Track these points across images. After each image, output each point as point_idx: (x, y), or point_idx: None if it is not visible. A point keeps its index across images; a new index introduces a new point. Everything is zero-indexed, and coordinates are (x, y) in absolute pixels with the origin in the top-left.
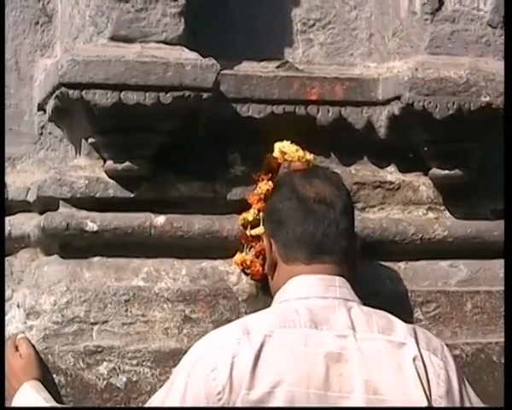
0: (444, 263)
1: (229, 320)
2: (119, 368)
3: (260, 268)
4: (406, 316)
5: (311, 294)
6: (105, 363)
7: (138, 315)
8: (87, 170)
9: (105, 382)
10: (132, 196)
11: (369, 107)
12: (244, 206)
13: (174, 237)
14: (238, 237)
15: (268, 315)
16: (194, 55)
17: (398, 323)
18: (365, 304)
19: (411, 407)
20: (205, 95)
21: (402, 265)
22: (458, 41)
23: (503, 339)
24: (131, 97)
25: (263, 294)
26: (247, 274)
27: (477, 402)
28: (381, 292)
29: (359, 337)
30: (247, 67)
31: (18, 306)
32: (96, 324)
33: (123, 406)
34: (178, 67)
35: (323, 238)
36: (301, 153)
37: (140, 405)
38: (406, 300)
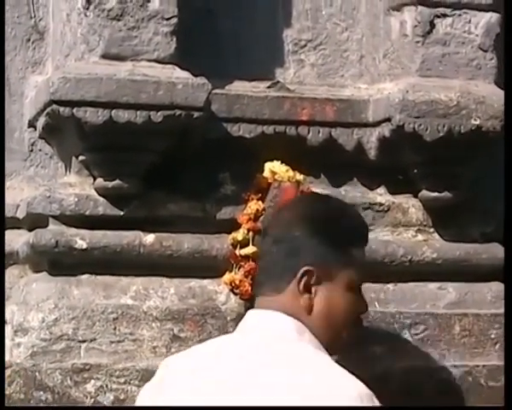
0: (432, 285)
1: None
2: (107, 386)
3: (249, 288)
4: (394, 338)
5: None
6: (92, 381)
7: (126, 333)
8: (77, 187)
9: (92, 400)
10: (122, 214)
11: (359, 128)
12: (234, 225)
13: (163, 256)
14: (227, 256)
15: None
16: (185, 74)
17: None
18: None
19: (414, 407)
20: (196, 114)
21: (390, 286)
22: (449, 64)
23: (490, 362)
24: (122, 115)
25: None
26: (235, 294)
27: None
28: (369, 313)
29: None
30: (238, 87)
31: (6, 322)
32: (84, 341)
33: None
34: (169, 86)
35: (260, 271)
36: (291, 173)
37: None
38: (394, 322)
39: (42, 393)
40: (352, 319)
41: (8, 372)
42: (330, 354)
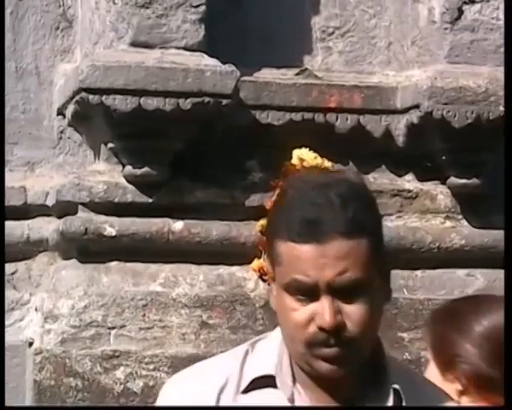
0: (461, 272)
1: (245, 326)
2: (136, 373)
3: None
4: (423, 325)
5: None
6: (122, 367)
7: (155, 320)
8: (106, 175)
9: (122, 386)
10: (151, 201)
11: (387, 115)
12: (262, 212)
13: (192, 243)
14: (256, 243)
15: None
16: (213, 62)
17: None
18: None
19: (414, 407)
20: (224, 101)
21: (419, 273)
22: (477, 50)
23: None
24: (151, 103)
25: None
26: (264, 280)
27: None
28: (397, 300)
29: None
30: (266, 74)
31: (36, 309)
32: (113, 328)
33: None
34: (198, 74)
35: None
36: (319, 160)
37: None
38: (423, 308)
39: (72, 379)
40: (295, 334)
41: (38, 359)
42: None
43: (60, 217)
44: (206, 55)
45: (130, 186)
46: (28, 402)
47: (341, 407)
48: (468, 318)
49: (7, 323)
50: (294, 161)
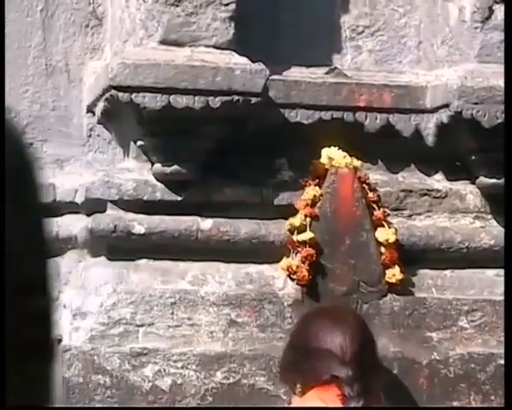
0: (490, 272)
1: (274, 325)
2: (165, 370)
3: (306, 273)
4: (451, 324)
5: None
6: (150, 365)
7: (184, 318)
8: (135, 173)
9: (150, 384)
10: (180, 199)
11: (417, 114)
12: (291, 211)
13: (220, 241)
14: (285, 242)
15: None
16: (243, 60)
17: None
18: None
19: (414, 407)
20: (253, 100)
21: (448, 273)
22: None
23: None
24: (180, 101)
25: (308, 299)
26: (292, 279)
27: None
28: (426, 300)
29: None
30: (295, 73)
31: (64, 307)
32: (141, 326)
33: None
34: (228, 72)
35: None
36: (348, 159)
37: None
38: (451, 308)
39: (100, 376)
40: None
41: (67, 356)
42: None
43: (89, 214)
44: (235, 54)
45: (159, 184)
46: (57, 400)
47: (343, 407)
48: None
49: None
50: (324, 160)
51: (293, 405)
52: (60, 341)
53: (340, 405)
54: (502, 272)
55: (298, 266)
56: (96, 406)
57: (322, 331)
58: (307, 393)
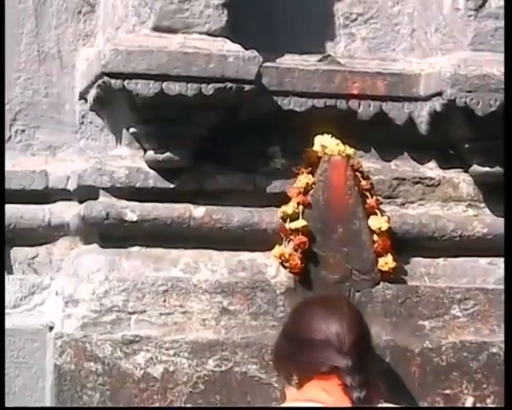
0: (483, 261)
1: (266, 313)
2: (157, 358)
3: (299, 261)
4: (444, 313)
5: None
6: (142, 353)
7: (176, 306)
8: (127, 160)
9: (142, 371)
10: (172, 186)
11: (410, 102)
12: (284, 199)
13: (213, 229)
14: (277, 229)
15: None
16: (236, 47)
17: None
18: None
19: (414, 407)
20: (247, 87)
21: (440, 261)
22: (502, 38)
23: None
24: (173, 88)
25: (301, 287)
26: (285, 267)
27: None
28: (418, 288)
29: None
30: (288, 60)
31: (56, 294)
32: (134, 313)
33: (159, 396)
34: (221, 59)
35: None
36: (341, 147)
37: (176, 395)
38: (444, 296)
39: (92, 364)
40: None
41: (59, 343)
42: None
43: (81, 201)
44: (228, 41)
45: (151, 171)
46: (49, 386)
47: (341, 407)
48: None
49: (27, 307)
50: (316, 147)
51: (292, 397)
52: (52, 328)
53: (342, 395)
54: (495, 260)
55: (290, 254)
56: (88, 393)
57: (318, 321)
58: (306, 384)
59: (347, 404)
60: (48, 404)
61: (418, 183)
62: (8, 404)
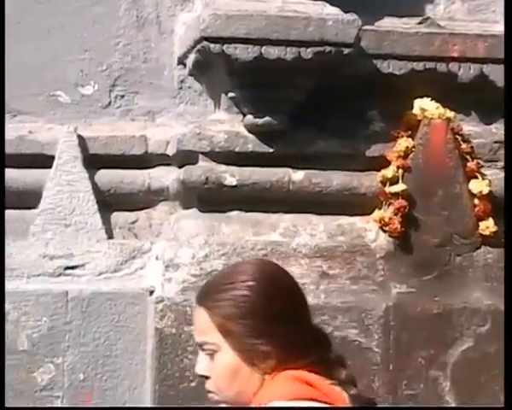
0: None
1: (366, 277)
2: None
3: (399, 225)
4: None
5: None
6: None
7: None
8: (226, 124)
9: None
10: (271, 151)
11: None
12: (383, 163)
13: (312, 193)
14: (377, 193)
15: None
16: (335, 10)
17: None
18: None
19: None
20: (346, 50)
21: None
22: None
23: None
24: (272, 52)
25: (400, 251)
26: (384, 231)
27: None
28: None
29: None
30: (387, 23)
31: (156, 258)
32: None
33: None
34: (320, 22)
35: None
36: (441, 110)
37: None
38: None
39: (192, 328)
40: None
41: (159, 307)
42: None
43: (180, 166)
44: (327, 4)
45: (250, 136)
46: (150, 349)
47: (340, 407)
48: None
49: (127, 271)
50: (416, 111)
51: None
52: (152, 292)
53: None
54: None
55: (390, 218)
56: (189, 356)
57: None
58: (283, 376)
59: None
60: (149, 367)
61: None
62: (109, 367)
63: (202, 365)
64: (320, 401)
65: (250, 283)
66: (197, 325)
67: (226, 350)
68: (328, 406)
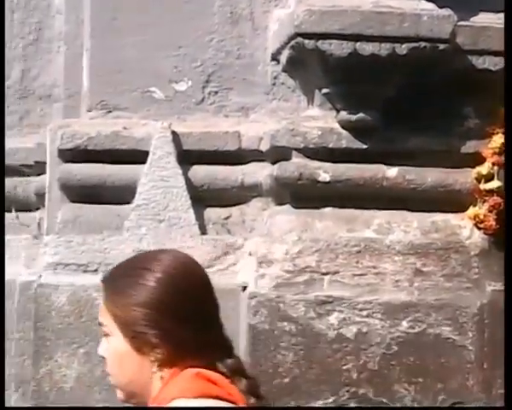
0: None
1: (460, 274)
2: (350, 319)
3: (494, 223)
4: None
5: None
6: (335, 313)
7: (369, 267)
8: (320, 120)
9: (335, 332)
10: (365, 147)
11: None
12: (478, 159)
13: (406, 190)
14: (471, 190)
15: None
16: (430, 6)
17: None
18: None
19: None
20: (441, 46)
21: None
22: None
23: None
24: (366, 48)
25: (496, 249)
26: (479, 228)
27: None
28: None
29: None
30: (483, 19)
31: (250, 254)
32: (327, 274)
33: (352, 357)
34: (415, 18)
35: None
36: None
37: (370, 356)
38: None
39: (285, 324)
40: None
41: (252, 303)
42: None
43: (273, 162)
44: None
45: (344, 132)
46: (243, 345)
47: (330, 407)
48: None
49: (220, 267)
50: None
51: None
52: (245, 288)
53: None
54: None
55: (485, 215)
56: (282, 352)
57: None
58: (184, 374)
59: None
60: None
61: None
62: None
63: (102, 345)
64: (225, 400)
65: (158, 274)
66: (101, 304)
67: (117, 335)
68: (235, 406)
